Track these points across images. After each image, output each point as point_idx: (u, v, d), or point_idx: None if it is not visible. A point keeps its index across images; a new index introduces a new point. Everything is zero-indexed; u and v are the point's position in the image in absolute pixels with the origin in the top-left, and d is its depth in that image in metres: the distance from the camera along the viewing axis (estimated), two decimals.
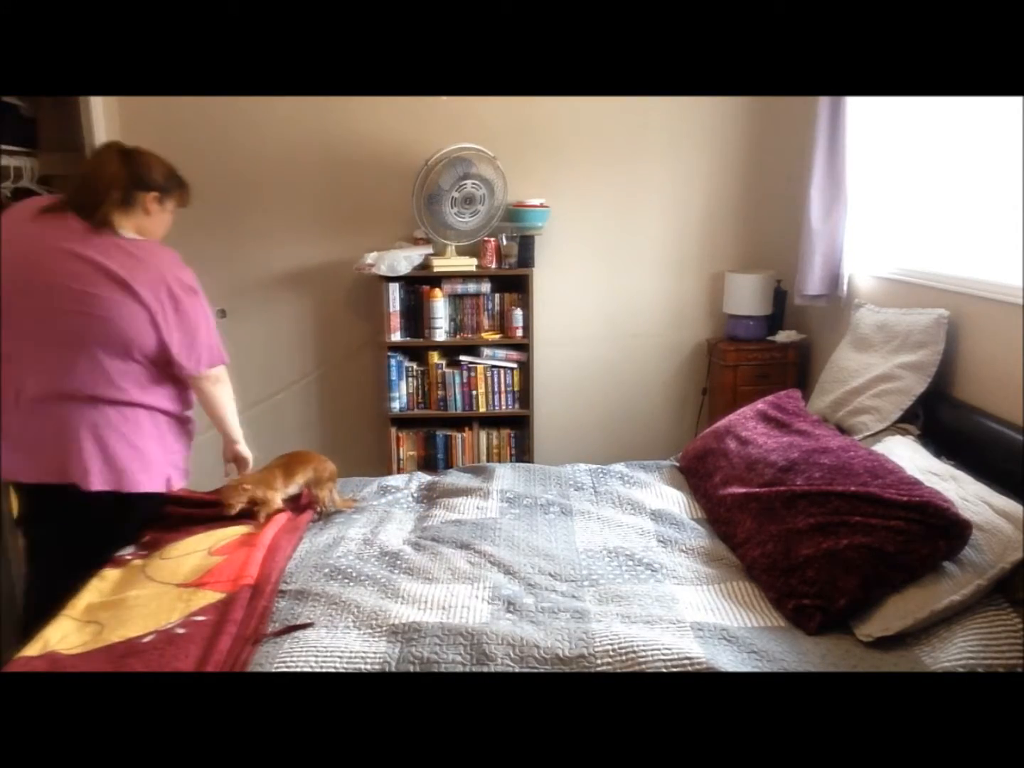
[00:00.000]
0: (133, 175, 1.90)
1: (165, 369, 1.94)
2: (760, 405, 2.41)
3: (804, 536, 1.71)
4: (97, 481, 1.85)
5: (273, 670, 1.45)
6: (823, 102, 2.76)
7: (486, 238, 3.09)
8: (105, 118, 3.03)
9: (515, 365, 3.19)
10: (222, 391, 2.07)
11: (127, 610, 1.66)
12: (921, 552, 1.57)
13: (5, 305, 1.83)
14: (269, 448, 3.35)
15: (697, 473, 2.33)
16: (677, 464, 2.52)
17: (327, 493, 2.19)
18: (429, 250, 3.09)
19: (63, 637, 1.58)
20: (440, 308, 3.12)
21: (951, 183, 2.43)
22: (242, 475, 2.16)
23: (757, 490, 1.94)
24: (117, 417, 1.89)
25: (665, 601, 1.69)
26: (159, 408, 1.96)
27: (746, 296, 3.13)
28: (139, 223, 1.92)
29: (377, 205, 3.20)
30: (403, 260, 3.00)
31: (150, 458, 1.95)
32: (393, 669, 1.45)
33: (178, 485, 2.05)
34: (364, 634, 1.57)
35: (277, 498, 2.11)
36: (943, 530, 1.57)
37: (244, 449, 2.24)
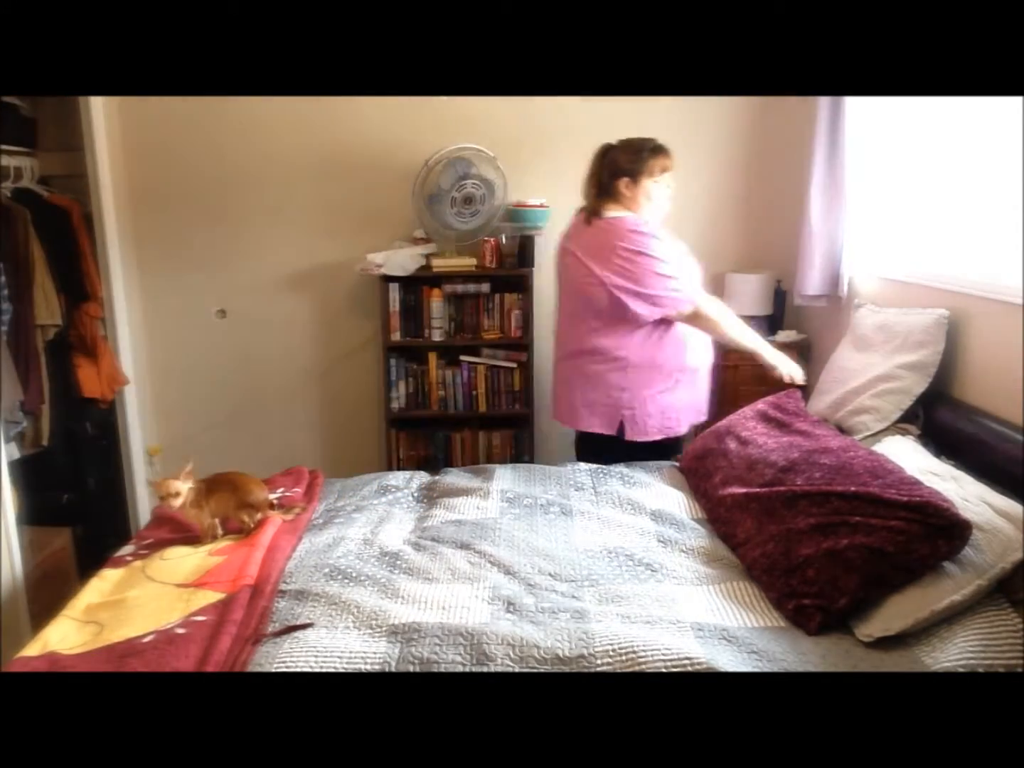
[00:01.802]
0: (604, 168, 2.45)
1: (622, 320, 2.41)
2: (760, 405, 2.41)
3: (804, 536, 1.71)
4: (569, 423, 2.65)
5: (273, 670, 1.45)
6: (823, 102, 2.76)
7: (486, 238, 3.09)
8: (105, 118, 3.03)
9: (515, 365, 3.19)
10: (704, 324, 2.45)
11: (127, 610, 1.66)
12: (921, 552, 1.57)
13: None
14: (269, 448, 3.37)
15: (697, 473, 2.32)
16: (677, 464, 2.52)
17: (247, 518, 2.00)
18: (433, 248, 3.09)
19: (63, 637, 1.58)
20: (440, 308, 3.12)
21: (951, 183, 2.43)
22: (187, 473, 1.97)
23: (757, 490, 1.94)
24: (583, 369, 2.51)
25: (665, 601, 1.69)
26: (612, 356, 2.45)
27: (746, 296, 3.13)
28: (623, 204, 2.45)
29: (377, 205, 3.20)
30: (411, 259, 3.00)
31: (597, 403, 2.51)
32: (393, 669, 1.45)
33: (635, 431, 2.50)
34: (364, 634, 1.57)
35: (202, 517, 1.97)
36: (943, 530, 1.57)
37: (775, 361, 2.49)
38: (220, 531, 2.00)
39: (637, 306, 2.36)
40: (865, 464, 1.81)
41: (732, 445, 2.23)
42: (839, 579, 1.60)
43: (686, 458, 2.46)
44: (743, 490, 1.99)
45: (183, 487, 1.93)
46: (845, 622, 1.59)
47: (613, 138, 3.15)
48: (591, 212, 2.46)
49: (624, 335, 2.43)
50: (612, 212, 2.43)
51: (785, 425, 2.23)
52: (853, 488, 1.72)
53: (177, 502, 1.93)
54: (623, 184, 2.42)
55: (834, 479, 1.78)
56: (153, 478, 2.01)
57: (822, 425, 2.23)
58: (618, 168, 2.41)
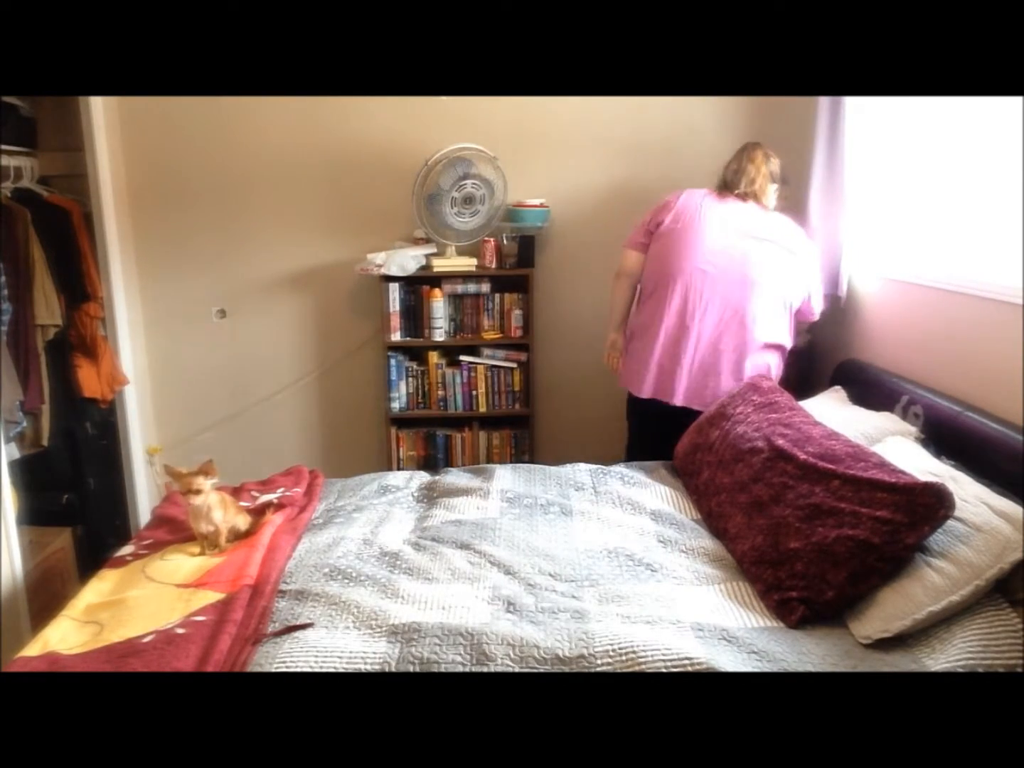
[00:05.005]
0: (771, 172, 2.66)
1: None
2: (737, 391, 2.41)
3: (792, 529, 1.74)
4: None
5: (273, 670, 1.45)
6: (823, 102, 2.76)
7: (486, 238, 3.09)
8: (105, 118, 3.03)
9: (515, 365, 3.19)
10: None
11: (127, 610, 1.66)
12: (907, 542, 1.58)
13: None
14: (269, 449, 3.36)
15: (687, 471, 2.33)
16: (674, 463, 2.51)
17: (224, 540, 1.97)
18: (433, 249, 3.09)
19: (63, 637, 1.59)
20: (440, 308, 3.12)
21: (951, 183, 2.43)
22: (209, 468, 1.92)
23: (745, 484, 1.96)
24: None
25: (665, 601, 1.69)
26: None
27: None
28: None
29: (377, 205, 3.20)
30: (411, 259, 3.00)
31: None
32: (393, 669, 1.45)
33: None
34: (364, 634, 1.57)
35: (223, 523, 1.94)
36: (929, 513, 1.58)
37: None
38: (224, 540, 1.96)
39: None
40: (847, 450, 1.84)
41: (716, 439, 2.23)
42: (826, 573, 1.62)
43: (677, 457, 2.46)
44: (730, 484, 2.01)
45: (207, 485, 1.89)
46: (828, 616, 1.61)
47: (612, 137, 3.17)
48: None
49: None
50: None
51: (764, 406, 2.22)
52: (840, 469, 1.75)
53: (199, 500, 1.88)
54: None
55: (816, 465, 1.82)
56: (182, 468, 1.92)
57: (798, 408, 2.22)
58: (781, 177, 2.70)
